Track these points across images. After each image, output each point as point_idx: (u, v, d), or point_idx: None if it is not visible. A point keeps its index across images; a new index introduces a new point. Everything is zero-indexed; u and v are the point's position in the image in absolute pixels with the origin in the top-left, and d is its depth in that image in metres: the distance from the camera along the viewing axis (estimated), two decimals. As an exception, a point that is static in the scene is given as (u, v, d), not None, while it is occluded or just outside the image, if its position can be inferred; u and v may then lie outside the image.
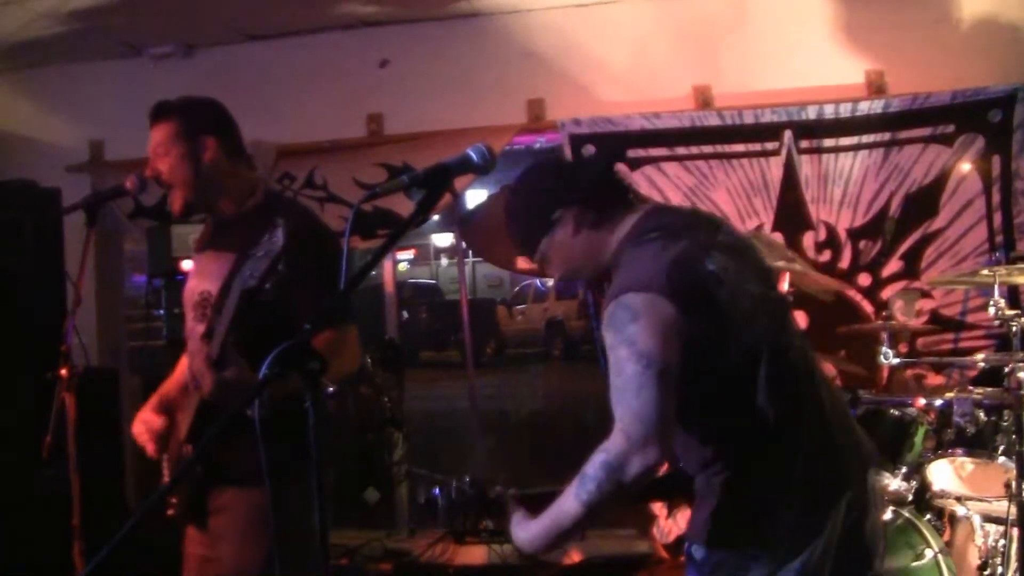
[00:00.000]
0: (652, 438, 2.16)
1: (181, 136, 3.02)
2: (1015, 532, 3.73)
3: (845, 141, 5.44)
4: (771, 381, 2.34)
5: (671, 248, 2.33)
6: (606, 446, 2.20)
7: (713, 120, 5.59)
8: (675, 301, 2.23)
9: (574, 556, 5.92)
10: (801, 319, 5.08)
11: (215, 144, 3.04)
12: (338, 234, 5.81)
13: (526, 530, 2.38)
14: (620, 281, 2.34)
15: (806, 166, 5.53)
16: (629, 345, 2.21)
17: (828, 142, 5.48)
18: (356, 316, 3.00)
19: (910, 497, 4.08)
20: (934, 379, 5.28)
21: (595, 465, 2.19)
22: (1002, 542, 3.81)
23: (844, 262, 5.49)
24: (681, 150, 5.65)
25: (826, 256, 5.50)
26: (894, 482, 4.09)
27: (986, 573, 3.87)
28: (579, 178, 2.53)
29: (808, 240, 5.53)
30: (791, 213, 5.56)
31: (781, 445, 2.34)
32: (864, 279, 5.49)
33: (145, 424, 3.11)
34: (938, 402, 4.21)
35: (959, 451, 4.04)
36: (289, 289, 2.86)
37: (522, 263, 5.92)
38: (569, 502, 2.24)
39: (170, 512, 2.99)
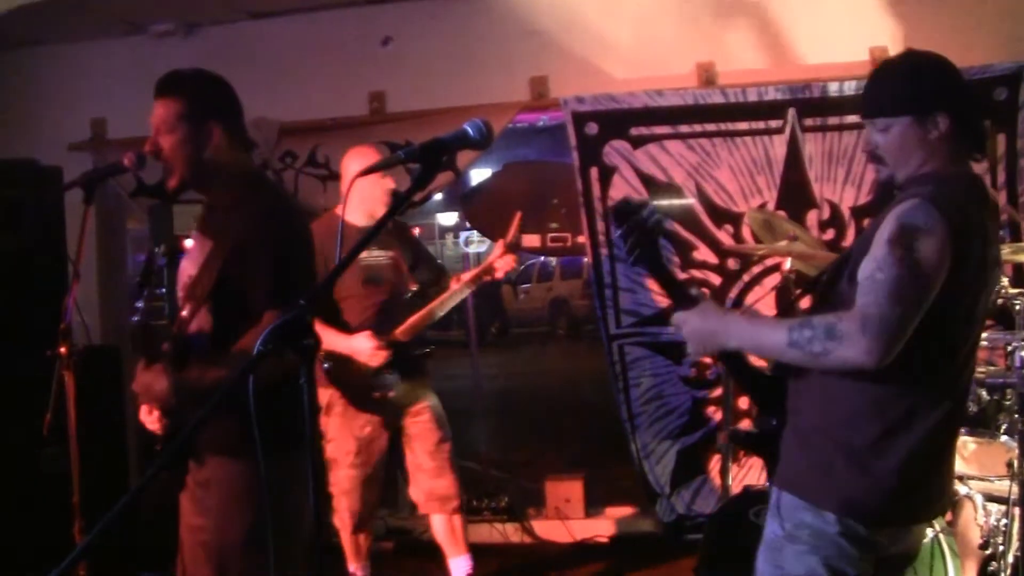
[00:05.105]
0: (882, 346, 2.17)
1: (187, 117, 3.00)
2: (1017, 511, 3.72)
3: (849, 119, 5.39)
4: (965, 362, 2.41)
5: (979, 208, 2.38)
6: (842, 315, 2.21)
7: (716, 98, 5.56)
8: (955, 249, 2.25)
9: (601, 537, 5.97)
10: (804, 299, 5.06)
11: (220, 131, 3.03)
12: (322, 212, 5.87)
13: (730, 322, 2.45)
14: (932, 191, 2.32)
15: (810, 144, 5.50)
16: (910, 251, 2.21)
17: (832, 120, 5.45)
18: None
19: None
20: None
21: (824, 323, 2.22)
22: (1004, 521, 3.81)
23: (848, 241, 5.45)
24: (684, 128, 5.62)
25: (829, 235, 5.48)
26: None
27: (988, 552, 3.86)
28: (974, 106, 2.54)
29: (812, 219, 5.51)
30: (794, 191, 5.54)
31: (945, 426, 2.41)
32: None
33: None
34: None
35: (962, 430, 4.02)
36: (240, 280, 2.87)
37: (525, 241, 5.91)
38: (780, 331, 2.29)
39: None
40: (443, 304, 4.78)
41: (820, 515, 2.36)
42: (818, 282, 2.63)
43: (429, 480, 4.76)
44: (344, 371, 4.52)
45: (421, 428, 4.74)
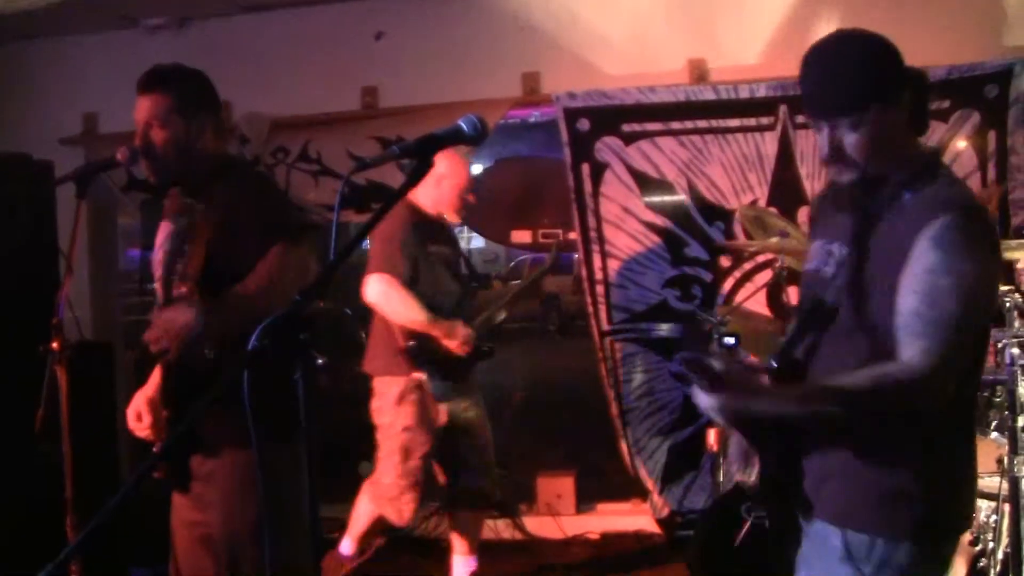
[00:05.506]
0: (946, 388, 2.09)
1: (179, 111, 3.02)
2: (1007, 508, 3.73)
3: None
4: (978, 370, 2.33)
5: (975, 200, 2.27)
6: (899, 368, 2.10)
7: (708, 95, 5.57)
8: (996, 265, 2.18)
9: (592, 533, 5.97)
10: (795, 297, 5.07)
11: (210, 123, 3.06)
12: (326, 207, 5.88)
13: (770, 406, 2.24)
14: (957, 196, 2.21)
15: (801, 141, 5.51)
16: (960, 281, 2.08)
17: (824, 117, 5.46)
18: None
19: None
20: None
21: (879, 381, 2.10)
22: (994, 517, 3.83)
23: (839, 238, 5.46)
24: (676, 124, 5.62)
25: (821, 232, 5.48)
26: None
27: (977, 548, 3.88)
28: (925, 81, 2.37)
29: (803, 215, 5.51)
30: (786, 188, 5.54)
31: (968, 440, 2.33)
32: (858, 255, 5.47)
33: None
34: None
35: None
36: (228, 253, 2.90)
37: (516, 237, 5.91)
38: (833, 402, 2.14)
39: (157, 474, 3.00)
40: (500, 311, 4.92)
41: (900, 547, 2.22)
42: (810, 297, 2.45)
43: (475, 477, 4.79)
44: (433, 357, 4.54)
45: (472, 423, 4.78)
